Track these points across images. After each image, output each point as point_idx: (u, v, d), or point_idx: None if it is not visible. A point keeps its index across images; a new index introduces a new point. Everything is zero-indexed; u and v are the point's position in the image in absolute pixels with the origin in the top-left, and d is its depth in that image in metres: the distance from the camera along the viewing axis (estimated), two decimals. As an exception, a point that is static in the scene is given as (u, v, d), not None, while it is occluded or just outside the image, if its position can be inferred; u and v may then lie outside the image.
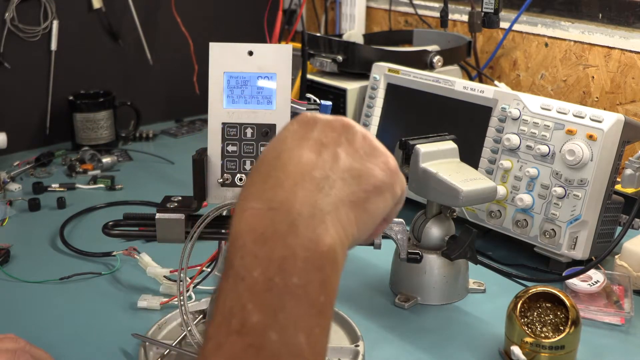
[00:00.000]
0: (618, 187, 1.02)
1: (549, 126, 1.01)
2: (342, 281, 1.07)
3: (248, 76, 0.72)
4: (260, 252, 0.46)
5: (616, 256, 1.00)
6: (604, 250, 0.95)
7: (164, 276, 0.98)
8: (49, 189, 1.32)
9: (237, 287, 0.45)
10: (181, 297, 0.76)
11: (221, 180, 0.73)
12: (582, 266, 0.95)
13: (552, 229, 1.00)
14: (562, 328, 0.79)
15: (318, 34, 1.45)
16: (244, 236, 0.47)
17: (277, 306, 0.45)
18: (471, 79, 1.49)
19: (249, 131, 0.72)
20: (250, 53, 0.72)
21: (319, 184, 0.48)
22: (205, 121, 1.34)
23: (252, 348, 0.44)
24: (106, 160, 1.44)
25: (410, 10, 1.70)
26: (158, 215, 0.74)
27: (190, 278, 0.95)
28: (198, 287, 0.95)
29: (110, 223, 0.80)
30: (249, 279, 0.45)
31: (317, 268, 0.46)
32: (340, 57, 1.30)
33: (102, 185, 1.35)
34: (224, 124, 0.72)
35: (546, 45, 1.45)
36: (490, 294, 0.99)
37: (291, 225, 0.46)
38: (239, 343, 0.44)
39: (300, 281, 0.45)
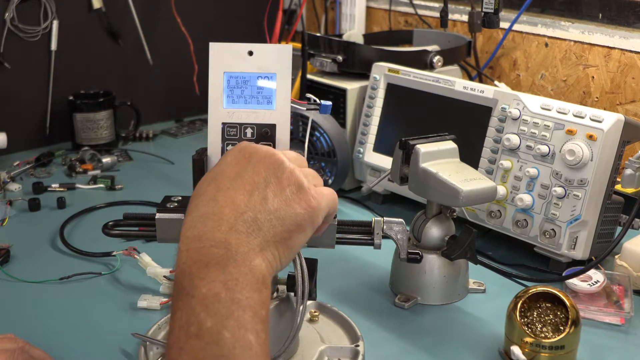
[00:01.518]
0: (618, 187, 1.02)
1: (549, 126, 1.01)
2: (342, 281, 1.07)
3: (248, 76, 0.72)
4: (206, 276, 0.54)
5: (616, 256, 1.00)
6: (604, 250, 0.95)
7: (164, 276, 0.98)
8: (49, 189, 1.32)
9: (190, 303, 0.54)
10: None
11: (221, 180, 0.73)
12: (582, 266, 0.95)
13: (552, 229, 1.00)
14: (562, 328, 0.79)
15: (318, 34, 1.45)
16: (189, 266, 0.56)
17: (226, 314, 0.53)
18: (471, 79, 1.49)
19: (249, 131, 0.72)
20: (250, 53, 0.72)
21: (249, 227, 0.57)
22: (205, 121, 1.34)
23: (210, 345, 0.52)
24: (106, 160, 1.44)
25: (410, 10, 1.70)
26: (158, 215, 0.74)
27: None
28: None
29: (110, 223, 0.80)
30: (198, 296, 0.54)
31: (255, 290, 0.55)
32: (340, 57, 1.30)
33: (102, 185, 1.35)
34: (224, 124, 0.72)
35: (546, 45, 1.45)
36: (490, 294, 0.99)
37: (231, 258, 0.55)
38: (198, 344, 0.52)
39: (243, 296, 0.54)
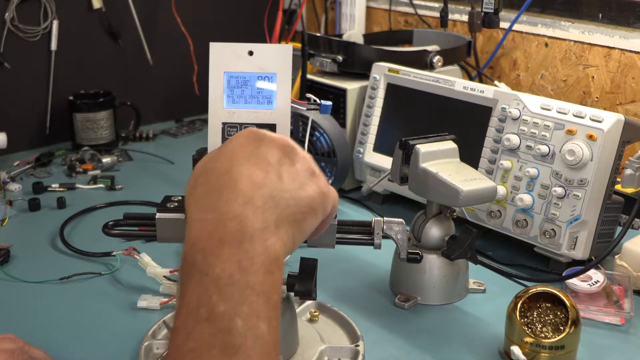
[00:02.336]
0: (618, 187, 1.02)
1: (549, 126, 1.01)
2: (342, 281, 1.08)
3: (248, 76, 0.72)
4: (221, 253, 0.52)
5: (616, 256, 1.00)
6: (604, 250, 0.95)
7: (164, 276, 0.98)
8: (49, 189, 1.32)
9: (202, 282, 0.51)
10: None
11: (221, 180, 0.73)
12: (582, 266, 0.95)
13: (552, 229, 1.00)
14: (562, 328, 0.79)
15: (318, 34, 1.45)
16: (203, 240, 0.53)
17: (239, 299, 0.51)
18: (471, 79, 1.49)
19: (249, 131, 0.72)
20: (251, 53, 0.72)
21: (266, 202, 0.55)
22: (205, 121, 1.34)
23: (220, 333, 0.50)
24: (106, 160, 1.44)
25: (410, 10, 1.70)
26: (158, 215, 0.74)
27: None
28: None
29: (110, 223, 0.80)
30: (212, 275, 0.51)
31: (269, 272, 0.53)
32: (340, 57, 1.30)
33: (102, 185, 1.35)
34: (224, 123, 0.72)
35: (546, 45, 1.45)
36: (490, 294, 0.99)
37: (246, 234, 0.53)
38: (207, 329, 0.50)
39: (257, 280, 0.52)
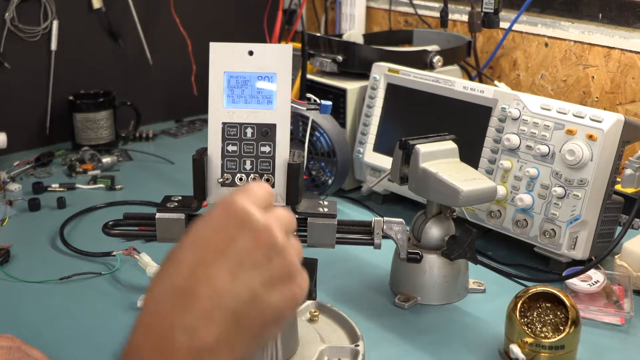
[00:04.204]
0: (618, 187, 1.02)
1: (549, 126, 1.01)
2: (342, 281, 1.08)
3: (248, 76, 0.72)
4: None
5: (616, 256, 1.00)
6: (604, 250, 0.95)
7: (164, 276, 0.98)
8: (49, 189, 1.32)
9: None
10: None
11: (221, 180, 0.73)
12: (582, 266, 0.95)
13: (552, 229, 1.00)
14: (562, 328, 0.79)
15: (318, 34, 1.45)
16: (146, 351, 0.48)
17: None
18: (471, 79, 1.49)
19: (249, 131, 0.72)
20: (251, 53, 0.72)
21: (226, 317, 0.49)
22: (205, 121, 1.34)
23: None
24: (106, 160, 1.44)
25: (410, 10, 1.70)
26: (158, 215, 0.74)
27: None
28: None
29: (110, 223, 0.80)
30: None
31: None
32: (340, 57, 1.30)
33: (102, 185, 1.35)
34: (224, 123, 0.72)
35: (546, 45, 1.45)
36: (490, 294, 0.99)
37: (195, 352, 0.47)
38: None
39: None
